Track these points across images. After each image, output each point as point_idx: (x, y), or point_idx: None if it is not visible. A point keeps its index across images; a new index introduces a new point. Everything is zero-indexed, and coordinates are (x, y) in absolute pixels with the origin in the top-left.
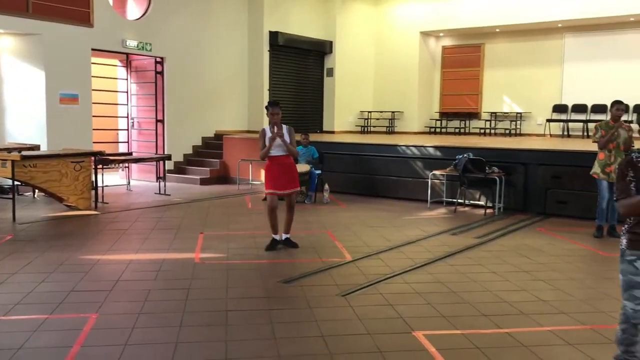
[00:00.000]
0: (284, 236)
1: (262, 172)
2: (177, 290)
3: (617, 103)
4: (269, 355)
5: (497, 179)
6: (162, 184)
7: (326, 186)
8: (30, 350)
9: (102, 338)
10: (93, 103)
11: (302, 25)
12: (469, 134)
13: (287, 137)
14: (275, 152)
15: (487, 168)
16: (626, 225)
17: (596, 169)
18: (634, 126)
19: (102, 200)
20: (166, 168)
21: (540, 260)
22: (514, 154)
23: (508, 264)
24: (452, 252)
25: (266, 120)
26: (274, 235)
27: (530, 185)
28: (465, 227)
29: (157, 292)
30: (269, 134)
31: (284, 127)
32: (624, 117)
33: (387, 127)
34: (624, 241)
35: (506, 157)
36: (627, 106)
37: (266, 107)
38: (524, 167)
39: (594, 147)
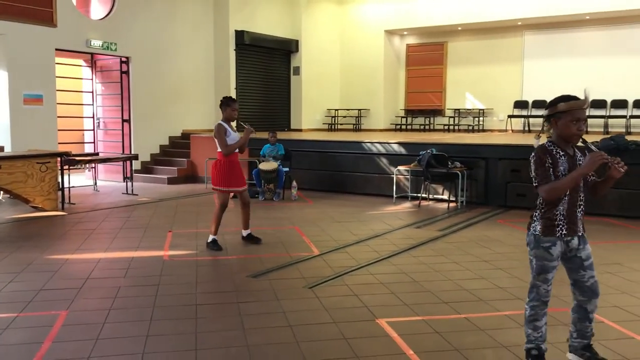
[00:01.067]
0: (245, 232)
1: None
2: (147, 287)
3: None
4: (237, 345)
5: (459, 174)
6: (129, 184)
7: (294, 183)
8: (1, 347)
9: (73, 334)
10: (58, 103)
11: (268, 24)
12: (434, 130)
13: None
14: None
15: (449, 163)
16: (538, 212)
17: None
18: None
19: (69, 201)
20: (133, 168)
21: (499, 250)
22: (475, 149)
23: (469, 255)
24: (415, 244)
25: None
26: (214, 236)
27: (491, 179)
28: (428, 221)
29: (126, 288)
30: (230, 130)
31: (247, 125)
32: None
33: (354, 124)
34: (537, 227)
35: (468, 152)
36: None
37: (226, 104)
38: (484, 161)
39: None
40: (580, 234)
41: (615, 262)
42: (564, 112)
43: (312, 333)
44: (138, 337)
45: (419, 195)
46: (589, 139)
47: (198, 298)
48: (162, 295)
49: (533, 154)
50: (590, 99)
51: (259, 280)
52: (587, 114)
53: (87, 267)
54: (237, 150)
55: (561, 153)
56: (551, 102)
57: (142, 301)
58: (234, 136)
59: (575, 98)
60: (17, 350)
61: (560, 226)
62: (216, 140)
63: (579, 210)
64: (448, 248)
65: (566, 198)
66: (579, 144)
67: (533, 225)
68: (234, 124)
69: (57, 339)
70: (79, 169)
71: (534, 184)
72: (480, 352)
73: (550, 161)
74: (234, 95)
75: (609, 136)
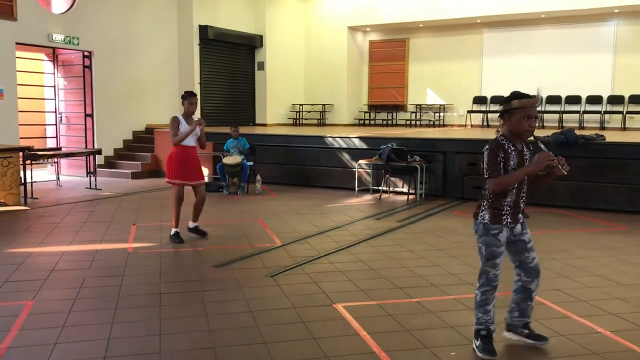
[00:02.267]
0: (192, 225)
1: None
2: (112, 277)
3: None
4: (200, 329)
5: (418, 167)
6: (92, 178)
7: (258, 177)
8: None
9: (39, 322)
10: (19, 98)
11: (232, 19)
12: (396, 125)
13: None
14: (187, 141)
15: (409, 157)
16: (486, 201)
17: None
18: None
19: (32, 195)
20: (97, 163)
21: (453, 240)
22: (433, 144)
23: (424, 244)
24: (374, 234)
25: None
26: (176, 229)
27: (449, 172)
28: (388, 213)
29: (91, 279)
30: (183, 122)
31: (197, 119)
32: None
33: (318, 119)
34: (486, 216)
35: (427, 146)
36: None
37: (184, 97)
38: (443, 155)
39: None
40: (522, 221)
41: (561, 249)
42: (517, 109)
43: (272, 318)
44: (103, 324)
45: (380, 188)
46: (544, 133)
47: (162, 287)
48: (126, 285)
49: (487, 146)
50: (541, 97)
51: (222, 270)
52: (542, 109)
53: (51, 260)
54: (193, 144)
55: (512, 148)
56: (505, 99)
57: (107, 291)
58: (186, 129)
59: (528, 96)
60: None
61: (507, 215)
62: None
63: (522, 200)
64: (405, 238)
65: (514, 190)
66: (530, 139)
67: (481, 214)
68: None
69: (23, 327)
70: (42, 163)
71: (484, 176)
72: (428, 332)
73: (502, 155)
74: (198, 90)
75: (559, 131)
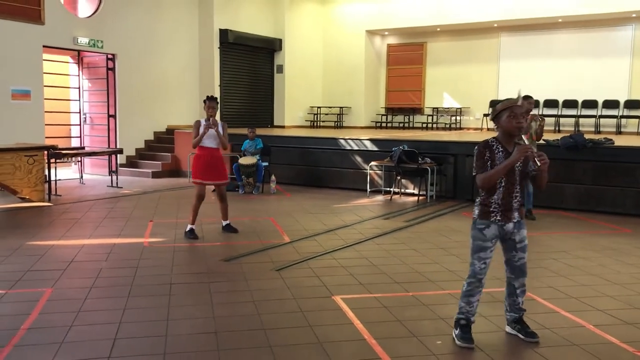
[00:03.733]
0: (224, 223)
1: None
2: (126, 269)
3: (527, 97)
4: (204, 316)
5: (429, 169)
6: (114, 177)
7: (272, 177)
8: None
9: (57, 307)
10: (45, 99)
11: (251, 23)
12: (413, 128)
13: (221, 131)
14: (207, 143)
15: (419, 159)
16: (478, 198)
17: None
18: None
19: (55, 192)
20: (118, 162)
21: (457, 239)
22: (444, 146)
23: (428, 242)
24: (381, 233)
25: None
26: (192, 225)
27: (460, 175)
28: (397, 213)
29: (108, 270)
30: (203, 125)
31: (219, 123)
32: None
33: (335, 121)
34: (476, 212)
35: (438, 148)
36: (556, 101)
37: (204, 101)
38: (453, 157)
39: None
40: (516, 221)
41: (561, 250)
42: (503, 111)
43: (272, 307)
44: (116, 310)
45: (391, 189)
46: (559, 137)
47: (173, 278)
48: (140, 276)
49: (476, 147)
50: (522, 97)
51: (230, 264)
52: (559, 113)
53: (71, 252)
54: (216, 146)
55: (500, 149)
56: (492, 110)
57: (121, 280)
58: (212, 132)
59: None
60: (7, 319)
61: (495, 212)
62: None
63: (515, 200)
64: (410, 237)
65: (501, 189)
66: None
67: (474, 210)
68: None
69: (42, 311)
70: (66, 162)
71: (473, 173)
72: (419, 323)
73: (488, 154)
74: (218, 93)
75: (569, 134)
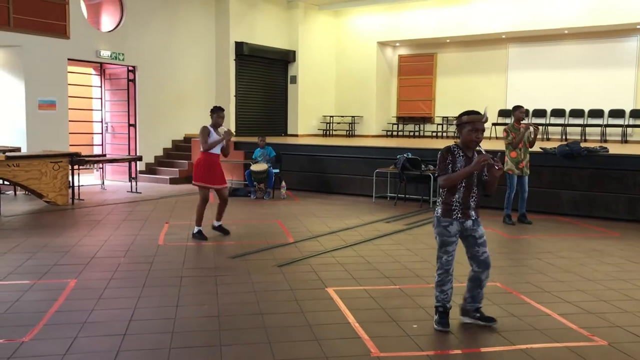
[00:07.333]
0: (216, 223)
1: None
2: (142, 264)
3: (519, 107)
4: (209, 303)
5: (432, 175)
6: (134, 183)
7: (283, 183)
8: (24, 302)
9: (81, 294)
10: (69, 109)
11: (266, 35)
12: (423, 137)
13: None
14: (214, 150)
15: (422, 166)
16: (440, 198)
17: (510, 166)
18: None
19: (79, 197)
20: (138, 169)
21: None
22: None
23: (422, 243)
24: (380, 235)
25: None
26: (199, 227)
27: None
28: (399, 217)
29: (125, 264)
30: (212, 132)
31: (225, 129)
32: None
33: (347, 130)
34: (439, 210)
35: None
36: (563, 110)
37: (213, 111)
38: None
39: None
40: (474, 218)
41: (547, 251)
42: (467, 123)
43: (270, 296)
44: (132, 297)
45: (396, 195)
46: (557, 145)
47: (183, 272)
48: (154, 270)
49: (440, 152)
50: (487, 116)
51: (236, 261)
52: (566, 122)
53: (93, 249)
54: (218, 152)
55: (461, 154)
56: (459, 115)
57: (137, 274)
58: (215, 138)
59: (476, 113)
60: (37, 304)
61: (456, 210)
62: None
63: (472, 200)
64: (407, 238)
65: (461, 189)
66: (477, 149)
67: (437, 208)
68: (221, 130)
69: (67, 298)
70: (88, 169)
71: (435, 175)
72: (400, 311)
73: (450, 159)
74: (233, 103)
75: (565, 143)
